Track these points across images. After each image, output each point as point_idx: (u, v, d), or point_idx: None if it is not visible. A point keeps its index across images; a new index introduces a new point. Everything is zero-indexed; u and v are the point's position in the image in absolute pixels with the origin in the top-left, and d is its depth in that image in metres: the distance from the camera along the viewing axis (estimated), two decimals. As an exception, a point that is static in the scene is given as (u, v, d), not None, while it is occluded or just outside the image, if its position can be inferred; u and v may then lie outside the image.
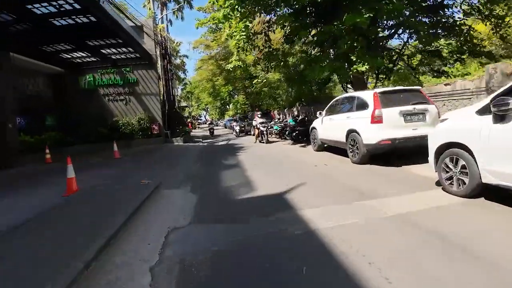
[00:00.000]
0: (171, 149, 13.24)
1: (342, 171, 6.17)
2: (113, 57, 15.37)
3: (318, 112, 8.75)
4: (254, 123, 14.53)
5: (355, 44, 9.87)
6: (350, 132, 6.96)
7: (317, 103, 17.14)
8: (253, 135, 17.34)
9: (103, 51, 14.34)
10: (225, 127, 41.08)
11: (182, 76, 44.10)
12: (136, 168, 8.28)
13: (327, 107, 8.65)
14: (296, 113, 17.48)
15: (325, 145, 8.92)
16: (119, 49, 14.34)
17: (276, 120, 17.89)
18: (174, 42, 39.60)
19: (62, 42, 12.58)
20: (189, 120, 44.00)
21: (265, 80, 13.48)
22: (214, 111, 61.87)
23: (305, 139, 12.47)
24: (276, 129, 15.54)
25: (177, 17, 28.63)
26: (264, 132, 13.34)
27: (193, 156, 10.43)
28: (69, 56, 14.92)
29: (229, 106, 55.63)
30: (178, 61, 40.66)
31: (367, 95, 6.74)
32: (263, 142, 13.23)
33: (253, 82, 17.14)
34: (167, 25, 23.05)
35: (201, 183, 5.82)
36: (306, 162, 7.48)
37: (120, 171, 7.81)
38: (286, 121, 16.85)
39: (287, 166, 7.04)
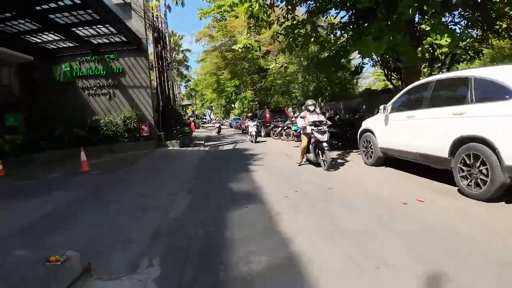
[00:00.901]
0: (160, 157, 10.18)
1: (479, 222, 3.00)
2: (93, 40, 12.38)
3: (381, 107, 5.56)
4: (300, 123, 6.92)
5: (424, 8, 6.74)
6: (466, 141, 3.80)
7: (345, 98, 13.97)
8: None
9: (78, 32, 11.36)
10: (231, 127, 38.12)
11: (185, 72, 41.27)
12: (88, 200, 5.23)
13: (396, 97, 5.47)
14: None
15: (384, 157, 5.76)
16: (97, 29, 11.33)
17: (293, 119, 14.74)
18: (175, 35, 36.71)
19: (19, 17, 9.62)
20: (192, 119, 41.11)
21: (285, 65, 10.42)
22: (219, 110, 59.07)
23: (340, 144, 9.32)
24: (296, 130, 12.41)
25: (176, 3, 25.61)
26: (324, 144, 6.04)
27: (187, 172, 7.34)
28: (38, 40, 11.98)
29: (234, 105, 52.76)
30: (180, 56, 37.79)
31: (503, 73, 3.58)
32: (322, 165, 6.18)
33: (271, 67, 13.80)
34: (165, 11, 20.06)
35: (186, 261, 2.66)
36: (376, 192, 4.31)
37: (62, 205, 4.77)
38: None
39: (350, 205, 3.86)
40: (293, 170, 6.49)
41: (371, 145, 6.03)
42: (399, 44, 6.73)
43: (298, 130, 12.15)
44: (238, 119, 37.38)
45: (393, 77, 10.36)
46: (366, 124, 6.36)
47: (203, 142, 16.00)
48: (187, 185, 5.65)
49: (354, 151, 8.39)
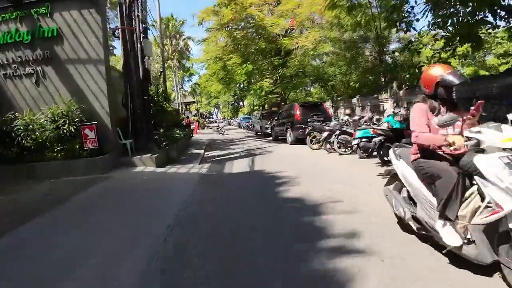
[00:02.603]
0: (92, 207, 4.55)
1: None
2: (7, -19, 7.08)
3: None
4: None
5: None
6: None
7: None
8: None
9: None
10: (239, 127, 32.89)
11: (187, 65, 36.02)
12: None
13: None
14: (390, 104, 8.73)
15: None
16: None
17: (346, 118, 9.18)
18: (175, 20, 31.57)
19: None
20: (195, 118, 35.83)
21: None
22: (227, 109, 53.75)
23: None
24: (365, 138, 6.92)
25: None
26: None
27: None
28: None
29: (243, 103, 47.12)
30: (181, 44, 32.61)
31: None
32: None
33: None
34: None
35: None
36: None
37: None
38: (367, 120, 8.22)
39: None
40: None
41: None
42: None
43: (375, 140, 6.62)
44: (248, 118, 32.09)
45: None
46: None
47: (202, 151, 10.59)
48: None
49: None
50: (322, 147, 9.38)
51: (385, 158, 6.33)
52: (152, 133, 8.89)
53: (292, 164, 7.06)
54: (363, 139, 6.96)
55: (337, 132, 7.99)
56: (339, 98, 12.67)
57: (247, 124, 27.64)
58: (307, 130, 9.34)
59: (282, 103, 19.98)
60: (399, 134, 6.29)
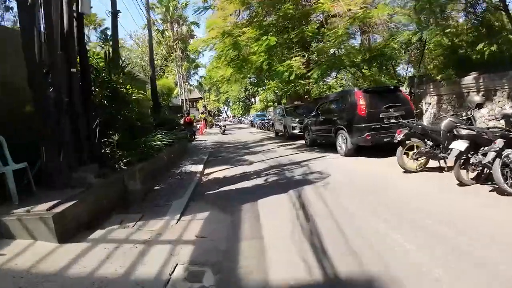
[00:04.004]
0: None
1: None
2: None
3: None
4: None
5: None
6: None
7: None
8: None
9: None
10: (252, 125, 28.67)
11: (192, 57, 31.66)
12: None
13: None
14: None
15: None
16: None
17: (483, 112, 4.56)
18: (178, 1, 27.25)
19: None
20: (202, 116, 31.72)
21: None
22: (237, 105, 49.32)
23: None
24: None
25: None
26: None
27: None
28: None
29: (254, 100, 42.33)
30: (184, 29, 28.32)
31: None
32: None
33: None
34: None
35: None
36: None
37: None
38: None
39: None
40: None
41: None
42: None
43: None
44: (262, 115, 27.88)
45: None
46: None
47: (200, 168, 6.23)
48: None
49: None
50: (426, 167, 4.83)
51: None
52: (98, 143, 4.52)
53: (435, 235, 2.55)
54: None
55: (500, 143, 3.36)
56: (439, 78, 7.63)
57: (262, 123, 23.28)
58: (400, 134, 4.74)
59: (306, 96, 15.34)
60: None
